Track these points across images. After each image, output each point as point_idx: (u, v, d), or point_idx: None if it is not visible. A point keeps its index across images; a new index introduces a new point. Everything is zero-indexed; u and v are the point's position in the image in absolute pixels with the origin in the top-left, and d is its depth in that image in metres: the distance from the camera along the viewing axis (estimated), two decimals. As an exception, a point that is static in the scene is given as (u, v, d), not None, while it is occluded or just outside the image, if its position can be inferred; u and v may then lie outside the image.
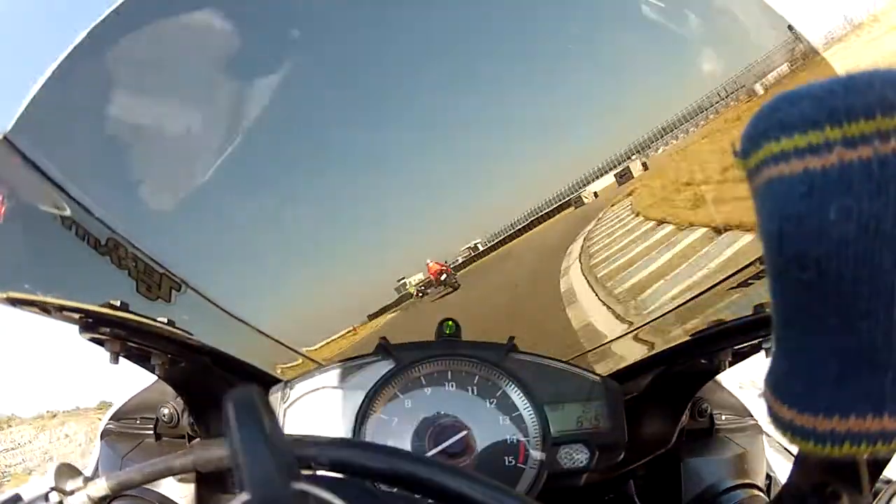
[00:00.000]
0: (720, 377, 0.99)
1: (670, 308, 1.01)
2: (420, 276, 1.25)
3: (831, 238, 0.29)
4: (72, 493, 0.53)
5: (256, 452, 0.34)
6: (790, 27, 0.88)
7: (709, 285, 0.98)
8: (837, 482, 0.46)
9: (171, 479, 0.86)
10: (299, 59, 0.97)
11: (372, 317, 1.24)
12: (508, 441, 0.90)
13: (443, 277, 1.24)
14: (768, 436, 1.07)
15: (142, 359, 0.86)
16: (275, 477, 0.33)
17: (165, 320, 0.88)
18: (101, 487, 0.53)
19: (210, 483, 0.91)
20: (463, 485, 0.46)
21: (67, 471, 0.55)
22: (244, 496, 0.32)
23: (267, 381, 0.94)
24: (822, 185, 0.29)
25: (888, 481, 0.72)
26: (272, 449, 0.34)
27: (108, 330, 0.82)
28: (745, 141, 0.32)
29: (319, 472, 0.48)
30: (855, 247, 0.28)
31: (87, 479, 0.54)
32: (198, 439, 0.97)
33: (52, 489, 0.53)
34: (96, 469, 1.01)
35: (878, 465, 0.46)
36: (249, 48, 0.94)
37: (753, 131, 0.32)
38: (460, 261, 1.24)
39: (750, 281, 0.93)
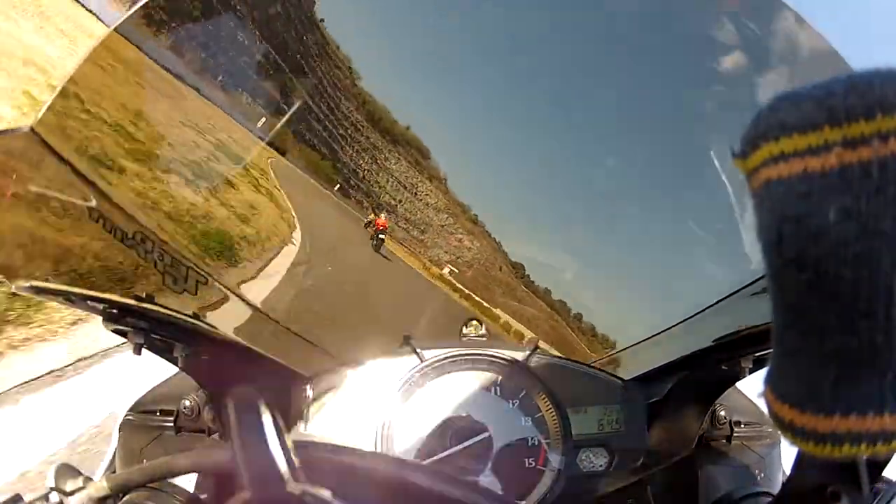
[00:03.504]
0: (739, 384, 0.92)
1: (693, 313, 0.94)
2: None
3: (830, 239, 0.27)
4: (72, 493, 0.47)
5: (256, 453, 0.32)
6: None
7: (731, 291, 0.90)
8: (837, 482, 0.46)
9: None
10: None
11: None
12: (529, 443, 0.85)
13: (381, 238, 1.27)
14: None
15: (165, 350, 0.80)
16: (274, 478, 0.31)
17: (190, 313, 0.82)
18: (101, 487, 0.46)
19: (228, 475, 0.84)
20: (463, 493, 0.43)
21: (67, 471, 0.48)
22: (244, 494, 0.32)
23: (291, 377, 0.89)
24: (821, 185, 0.27)
25: (888, 481, 0.66)
26: (272, 449, 0.32)
27: (132, 321, 0.76)
28: (744, 142, 0.30)
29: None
30: (854, 248, 0.27)
31: (88, 479, 0.47)
32: (215, 435, 0.89)
33: (53, 489, 0.48)
34: (113, 460, 0.94)
35: (878, 465, 0.46)
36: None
37: (753, 132, 0.29)
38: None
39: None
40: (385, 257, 1.28)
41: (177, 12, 0.81)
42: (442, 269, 1.30)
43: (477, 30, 0.99)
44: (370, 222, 1.30)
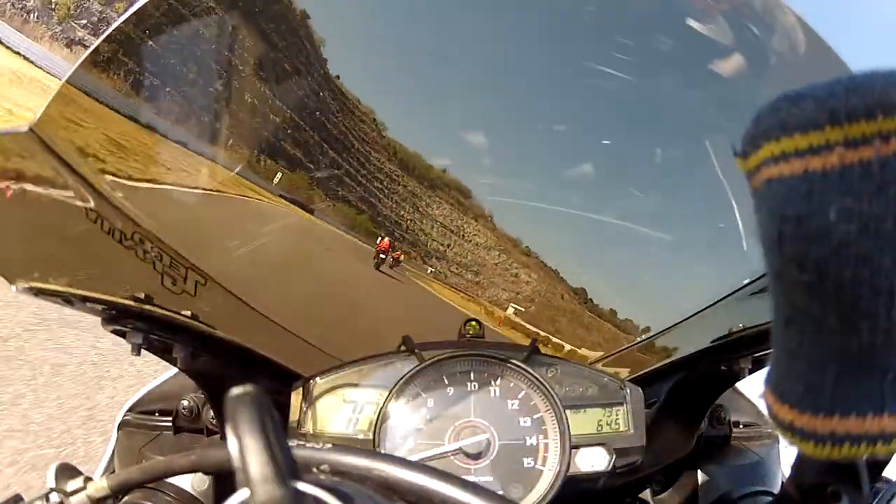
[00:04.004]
0: (739, 385, 0.93)
1: (692, 313, 0.94)
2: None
3: (831, 239, 0.27)
4: (72, 493, 0.47)
5: (255, 452, 0.32)
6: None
7: (731, 291, 0.91)
8: (837, 482, 0.46)
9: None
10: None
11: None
12: (528, 443, 0.84)
13: (382, 257, 1.30)
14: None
15: (164, 351, 0.80)
16: (274, 477, 0.31)
17: (189, 313, 0.82)
18: (101, 488, 0.46)
19: (226, 475, 0.85)
20: (466, 496, 0.43)
21: (67, 471, 0.49)
22: (243, 492, 0.32)
23: (289, 377, 0.89)
24: (822, 185, 0.27)
25: (888, 481, 0.66)
26: (271, 449, 0.32)
27: (130, 322, 0.76)
28: (745, 141, 0.30)
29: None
30: (855, 248, 0.27)
31: (88, 479, 0.47)
32: (216, 436, 0.89)
33: (53, 490, 0.48)
34: (111, 461, 0.94)
35: (878, 465, 0.47)
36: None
37: (754, 131, 0.30)
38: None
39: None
40: (385, 273, 1.28)
41: (174, 77, 0.82)
42: (505, 309, 1.28)
43: (496, 58, 0.99)
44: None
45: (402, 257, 1.31)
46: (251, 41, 0.95)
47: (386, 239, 1.30)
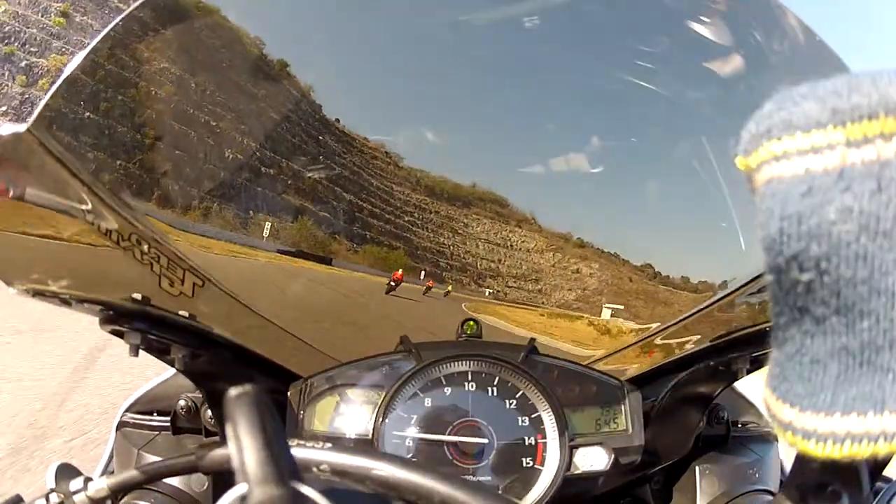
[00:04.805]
0: (738, 384, 0.92)
1: (690, 313, 0.94)
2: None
3: (831, 238, 0.27)
4: (73, 493, 0.47)
5: (254, 453, 0.32)
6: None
7: (729, 291, 0.91)
8: (837, 482, 0.46)
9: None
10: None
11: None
12: (526, 442, 0.85)
13: (393, 284, 1.28)
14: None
15: (162, 352, 0.79)
16: (273, 477, 0.32)
17: (187, 314, 0.82)
18: (101, 488, 0.46)
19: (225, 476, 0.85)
20: (465, 496, 0.43)
21: (67, 471, 0.49)
22: (241, 487, 0.32)
23: (287, 377, 0.89)
24: (822, 184, 0.27)
25: (888, 481, 0.68)
26: (270, 449, 0.33)
27: (128, 322, 0.76)
28: (746, 139, 0.30)
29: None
30: (855, 247, 0.27)
31: (87, 480, 0.47)
32: (215, 436, 0.89)
33: (53, 490, 0.48)
34: (110, 461, 0.94)
35: (879, 465, 0.47)
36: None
37: (755, 129, 0.29)
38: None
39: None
40: (396, 295, 1.27)
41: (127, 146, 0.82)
42: (599, 314, 1.22)
43: (499, 56, 0.99)
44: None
45: (433, 286, 1.28)
46: (222, 97, 0.93)
47: (401, 270, 1.28)
